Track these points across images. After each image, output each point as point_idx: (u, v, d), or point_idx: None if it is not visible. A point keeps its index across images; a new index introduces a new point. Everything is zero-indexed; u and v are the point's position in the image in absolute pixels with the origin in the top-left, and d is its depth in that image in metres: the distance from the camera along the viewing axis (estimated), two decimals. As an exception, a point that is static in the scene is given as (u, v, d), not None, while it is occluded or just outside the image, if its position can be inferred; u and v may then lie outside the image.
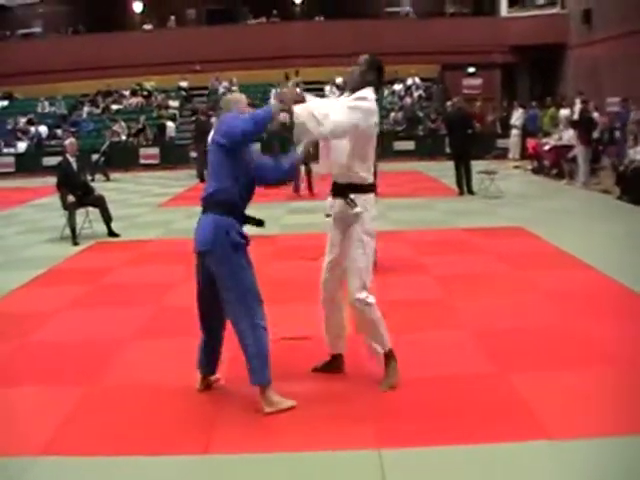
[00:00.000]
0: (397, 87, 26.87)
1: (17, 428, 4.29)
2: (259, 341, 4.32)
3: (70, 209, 10.48)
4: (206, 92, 27.72)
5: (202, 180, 16.15)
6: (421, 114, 24.97)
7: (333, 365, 4.96)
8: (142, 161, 23.77)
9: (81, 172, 11.12)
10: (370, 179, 4.63)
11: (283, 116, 4.29)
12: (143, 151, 24.07)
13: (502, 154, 20.99)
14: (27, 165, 23.57)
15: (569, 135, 15.95)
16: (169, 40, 27.94)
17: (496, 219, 11.17)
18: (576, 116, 17.31)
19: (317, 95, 5.63)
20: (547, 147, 17.04)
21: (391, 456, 3.79)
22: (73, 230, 10.40)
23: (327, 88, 25.81)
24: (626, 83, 19.22)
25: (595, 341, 5.42)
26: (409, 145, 23.44)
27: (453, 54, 26.19)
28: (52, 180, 11.43)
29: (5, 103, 28.16)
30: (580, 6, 23.75)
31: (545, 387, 4.56)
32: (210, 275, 4.38)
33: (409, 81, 27.18)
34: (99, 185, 15.19)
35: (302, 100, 4.36)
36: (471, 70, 27.38)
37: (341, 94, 4.75)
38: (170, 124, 25.08)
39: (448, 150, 17.11)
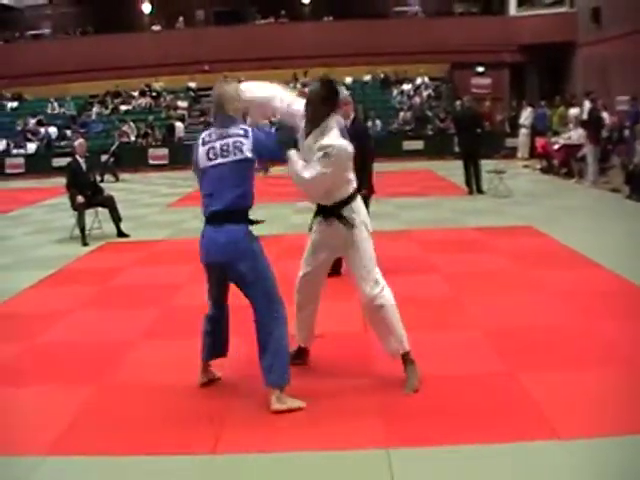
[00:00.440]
0: (406, 87, 26.84)
1: (25, 427, 4.30)
2: (285, 340, 4.37)
3: (80, 209, 10.51)
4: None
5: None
6: (430, 113, 24.92)
7: (300, 357, 5.01)
8: (151, 161, 23.84)
9: (90, 172, 11.15)
10: (352, 186, 4.67)
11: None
12: (152, 151, 24.14)
13: (511, 153, 20.91)
14: (37, 166, 23.66)
15: (578, 134, 15.89)
16: (178, 41, 28.01)
17: (505, 218, 11.14)
18: (585, 115, 17.25)
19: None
20: (556, 146, 16.98)
21: (400, 455, 3.78)
22: (82, 230, 10.43)
23: (336, 88, 25.80)
24: (635, 81, 19.12)
25: (606, 340, 5.39)
26: (418, 144, 23.41)
27: (462, 53, 26.16)
28: (62, 181, 11.48)
29: (15, 104, 28.29)
30: (589, 4, 23.66)
31: (555, 387, 4.54)
32: (225, 281, 4.50)
33: (418, 80, 27.14)
34: (108, 185, 15.23)
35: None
36: (480, 69, 27.30)
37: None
38: (179, 124, 25.14)
39: (457, 149, 17.08)
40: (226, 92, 4.45)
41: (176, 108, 26.78)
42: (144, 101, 27.55)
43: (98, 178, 14.47)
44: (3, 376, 5.20)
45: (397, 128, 24.50)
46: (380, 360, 5.03)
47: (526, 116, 21.00)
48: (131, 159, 22.99)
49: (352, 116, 7.48)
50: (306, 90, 22.41)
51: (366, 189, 7.22)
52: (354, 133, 7.33)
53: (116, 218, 10.89)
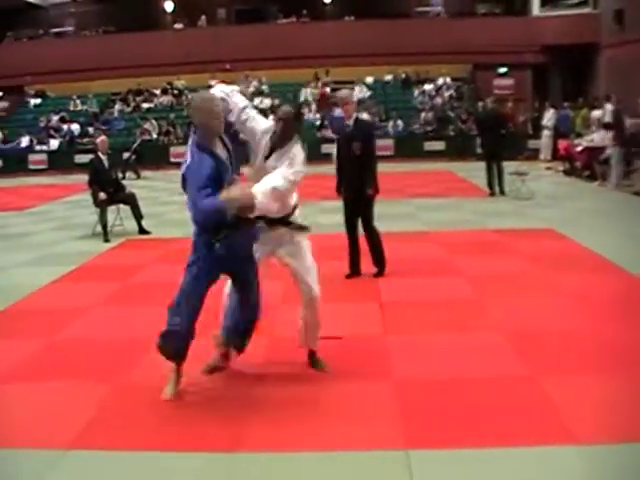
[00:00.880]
0: (427, 87, 26.70)
1: (46, 422, 4.33)
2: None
3: (102, 206, 10.58)
4: (236, 91, 27.83)
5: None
6: (452, 114, 24.77)
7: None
8: (173, 159, 23.88)
9: (112, 170, 11.22)
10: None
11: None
12: (173, 149, 24.21)
13: (533, 155, 20.78)
14: (59, 162, 23.89)
15: (601, 136, 15.76)
16: (199, 39, 28.08)
17: (527, 220, 11.07)
18: (607, 118, 17.09)
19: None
20: (579, 148, 16.85)
21: (419, 457, 3.77)
22: (104, 227, 10.50)
23: (357, 89, 25.78)
24: (660, 84, 18.95)
25: (628, 345, 5.34)
26: (439, 145, 23.30)
27: (484, 54, 26.01)
28: (84, 177, 11.54)
29: (38, 101, 28.56)
30: (612, 6, 23.46)
31: (575, 391, 4.51)
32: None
33: (440, 81, 27.00)
34: (130, 183, 15.29)
35: (251, 205, 4.24)
36: (502, 70, 27.16)
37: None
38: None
39: (479, 151, 16.99)
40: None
41: (197, 106, 26.79)
42: (166, 99, 27.66)
43: (120, 175, 14.55)
44: (26, 371, 5.25)
45: (418, 128, 24.41)
46: (399, 361, 5.03)
47: (549, 117, 20.86)
48: (153, 157, 23.11)
49: (354, 116, 7.45)
50: (327, 90, 22.20)
51: (371, 189, 7.20)
52: (357, 133, 7.35)
53: (137, 215, 10.95)
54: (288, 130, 4.58)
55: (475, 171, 16.04)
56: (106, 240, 10.36)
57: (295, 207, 4.84)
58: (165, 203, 14.57)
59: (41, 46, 29.36)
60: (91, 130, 25.25)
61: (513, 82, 26.86)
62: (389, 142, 23.09)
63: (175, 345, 4.62)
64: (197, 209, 4.26)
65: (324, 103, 25.22)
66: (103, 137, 11.75)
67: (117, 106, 27.44)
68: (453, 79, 27.16)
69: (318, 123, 24.42)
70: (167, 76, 28.03)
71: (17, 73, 27.80)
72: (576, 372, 4.85)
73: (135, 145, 22.11)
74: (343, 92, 7.88)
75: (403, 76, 27.45)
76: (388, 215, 11.33)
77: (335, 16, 29.66)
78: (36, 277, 8.18)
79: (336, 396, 4.49)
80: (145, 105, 27.40)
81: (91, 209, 11.18)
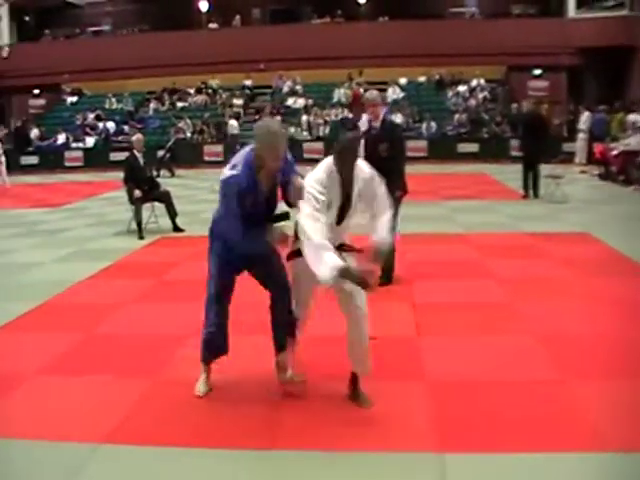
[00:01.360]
0: (461, 88, 26.51)
1: (82, 415, 4.41)
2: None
3: (137, 204, 10.70)
4: (270, 91, 27.95)
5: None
6: (486, 116, 24.59)
7: None
8: (206, 158, 24.08)
9: (147, 168, 11.33)
10: None
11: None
12: (207, 148, 24.39)
13: (568, 158, 20.55)
14: (95, 160, 24.20)
15: (637, 140, 15.58)
16: (234, 39, 28.23)
17: (561, 224, 10.98)
18: (641, 122, 16.86)
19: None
20: (615, 152, 16.66)
21: (453, 460, 3.78)
22: (139, 224, 10.62)
23: (390, 90, 25.74)
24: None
25: (664, 351, 5.30)
26: (473, 147, 23.19)
27: (519, 55, 25.81)
28: (119, 175, 11.68)
29: (74, 99, 28.95)
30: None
31: (607, 397, 4.48)
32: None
33: (473, 82, 26.81)
34: (164, 181, 15.40)
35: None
36: (537, 72, 26.91)
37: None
38: (231, 122, 25.01)
39: (514, 153, 16.84)
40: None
41: (231, 106, 26.99)
42: (200, 98, 27.85)
43: (154, 173, 14.68)
44: (63, 365, 5.35)
45: (451, 130, 24.30)
46: (432, 363, 5.03)
47: (584, 120, 20.65)
48: (186, 155, 23.31)
49: (381, 117, 7.40)
50: (360, 90, 22.06)
51: (399, 190, 7.13)
52: (384, 134, 7.31)
53: (172, 213, 11.05)
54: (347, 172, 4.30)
55: (509, 173, 15.95)
56: (141, 237, 10.47)
57: None
58: (199, 201, 14.65)
59: (77, 45, 29.77)
60: (126, 128, 25.54)
61: (548, 84, 26.61)
62: (422, 144, 23.04)
63: (213, 352, 4.76)
64: (236, 233, 4.41)
65: (357, 104, 25.20)
66: (139, 135, 11.87)
67: (152, 105, 27.71)
68: (487, 81, 26.93)
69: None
70: (201, 75, 28.24)
71: (54, 71, 28.24)
72: (609, 377, 4.81)
73: (170, 144, 22.30)
74: (370, 93, 7.81)
75: (437, 77, 27.32)
76: (423, 217, 11.34)
77: (369, 16, 29.65)
78: (72, 272, 8.31)
79: (370, 396, 4.50)
80: (180, 104, 27.63)
81: (126, 206, 11.31)
